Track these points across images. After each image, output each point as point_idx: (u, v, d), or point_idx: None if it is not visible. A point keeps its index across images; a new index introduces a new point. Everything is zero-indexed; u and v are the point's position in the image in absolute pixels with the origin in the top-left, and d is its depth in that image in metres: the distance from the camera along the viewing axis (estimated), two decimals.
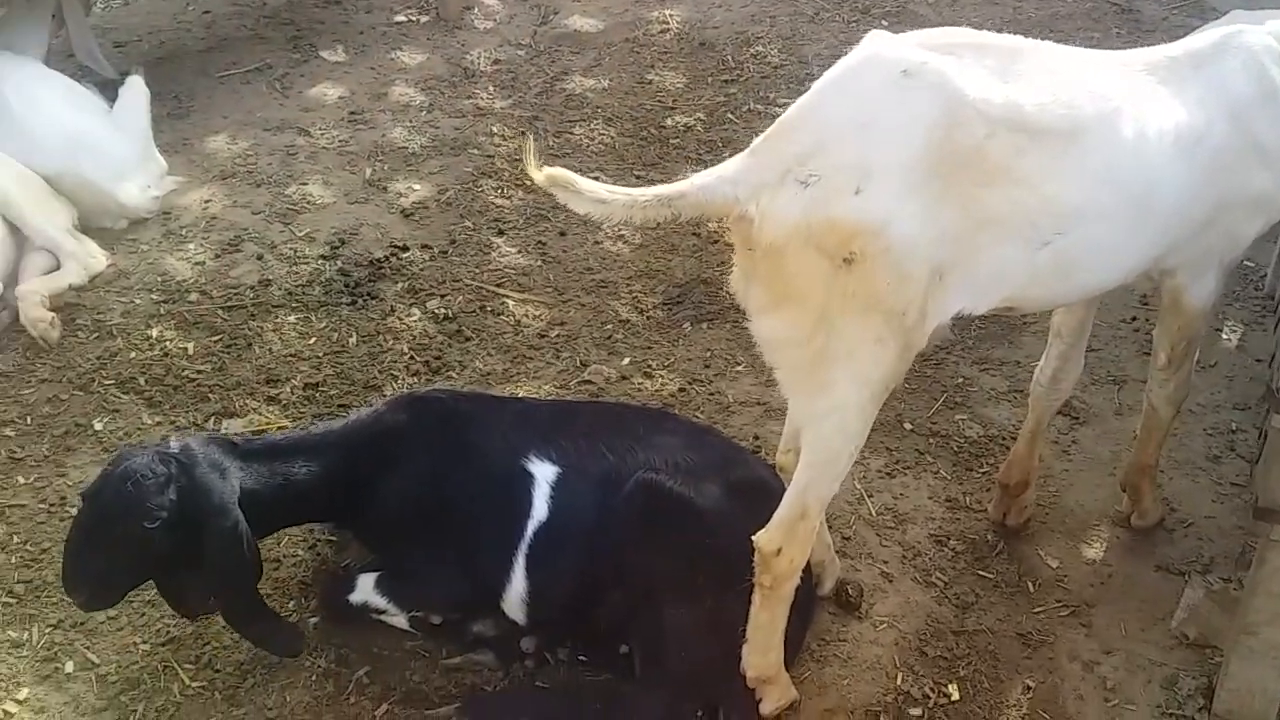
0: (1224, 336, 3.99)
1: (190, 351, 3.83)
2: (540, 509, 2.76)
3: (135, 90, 4.67)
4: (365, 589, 2.85)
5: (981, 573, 3.12)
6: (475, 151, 4.97)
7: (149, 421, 3.55)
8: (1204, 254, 2.72)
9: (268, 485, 2.74)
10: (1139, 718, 2.75)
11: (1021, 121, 2.32)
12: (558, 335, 3.99)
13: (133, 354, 3.81)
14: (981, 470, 3.45)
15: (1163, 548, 3.20)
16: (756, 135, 2.40)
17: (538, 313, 4.09)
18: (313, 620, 2.93)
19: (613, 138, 5.08)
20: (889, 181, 2.25)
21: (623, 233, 4.49)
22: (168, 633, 2.91)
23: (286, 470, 2.78)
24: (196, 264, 4.26)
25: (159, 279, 4.17)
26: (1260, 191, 2.66)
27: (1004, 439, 3.54)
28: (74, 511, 3.17)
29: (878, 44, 2.37)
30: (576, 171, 2.28)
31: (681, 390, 3.75)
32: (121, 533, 2.57)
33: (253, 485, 2.71)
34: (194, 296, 4.09)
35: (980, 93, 2.30)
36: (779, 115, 2.39)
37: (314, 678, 2.80)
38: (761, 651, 2.63)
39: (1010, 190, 2.34)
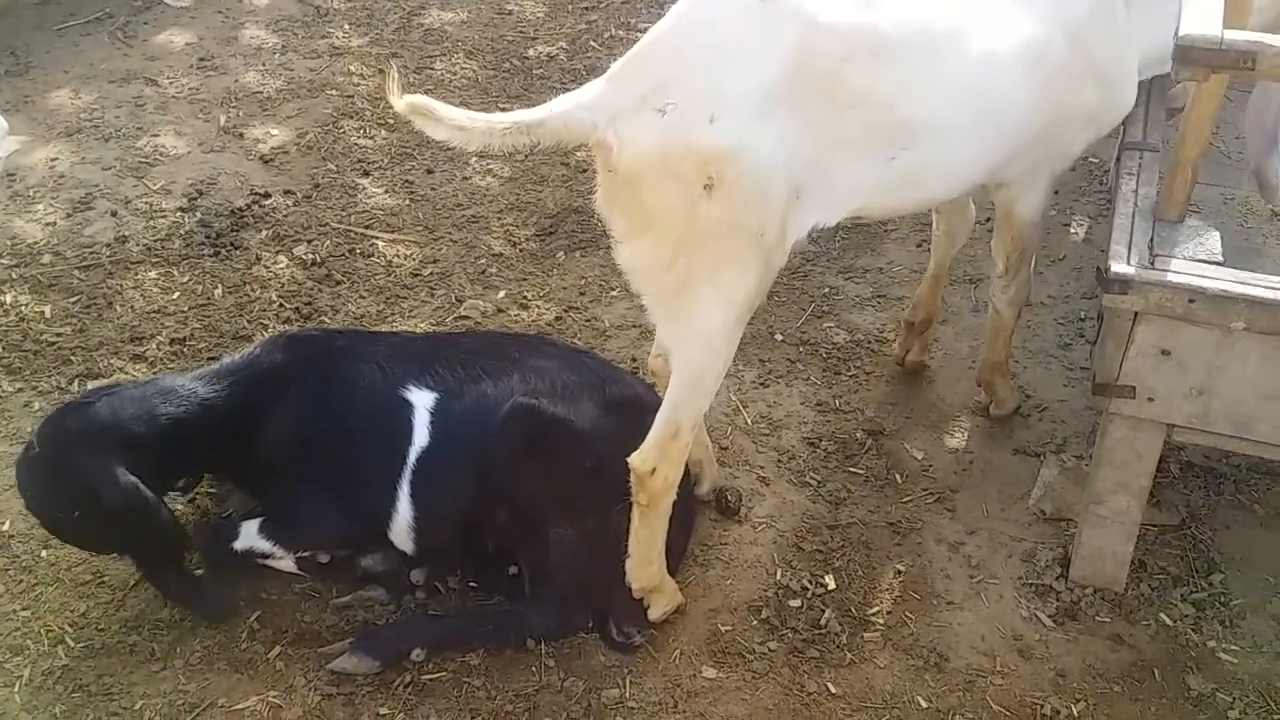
0: (1071, 230, 4.18)
1: (47, 314, 3.70)
2: (421, 435, 2.78)
3: None
4: (249, 535, 2.84)
5: (852, 470, 3.25)
6: (334, 92, 4.86)
7: (9, 389, 3.43)
8: (1035, 166, 2.84)
9: (150, 430, 2.72)
10: (1002, 590, 2.92)
11: (877, 43, 2.37)
12: (431, 273, 3.97)
13: None
14: (849, 374, 3.57)
15: (1020, 432, 3.38)
16: None
17: (409, 252, 4.06)
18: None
19: (475, 71, 5.02)
20: (744, 108, 2.28)
21: (491, 166, 4.47)
22: (48, 600, 2.84)
23: (165, 413, 2.75)
24: (47, 225, 4.10)
25: (9, 243, 4.00)
26: (1092, 107, 2.77)
27: (870, 343, 3.68)
28: None
29: None
30: None
31: (558, 319, 3.78)
32: (50, 526, 2.75)
33: (141, 433, 2.70)
34: (47, 258, 3.94)
35: (836, 16, 2.33)
36: None
37: (203, 627, 2.78)
38: (644, 564, 2.70)
39: (865, 111, 2.39)
